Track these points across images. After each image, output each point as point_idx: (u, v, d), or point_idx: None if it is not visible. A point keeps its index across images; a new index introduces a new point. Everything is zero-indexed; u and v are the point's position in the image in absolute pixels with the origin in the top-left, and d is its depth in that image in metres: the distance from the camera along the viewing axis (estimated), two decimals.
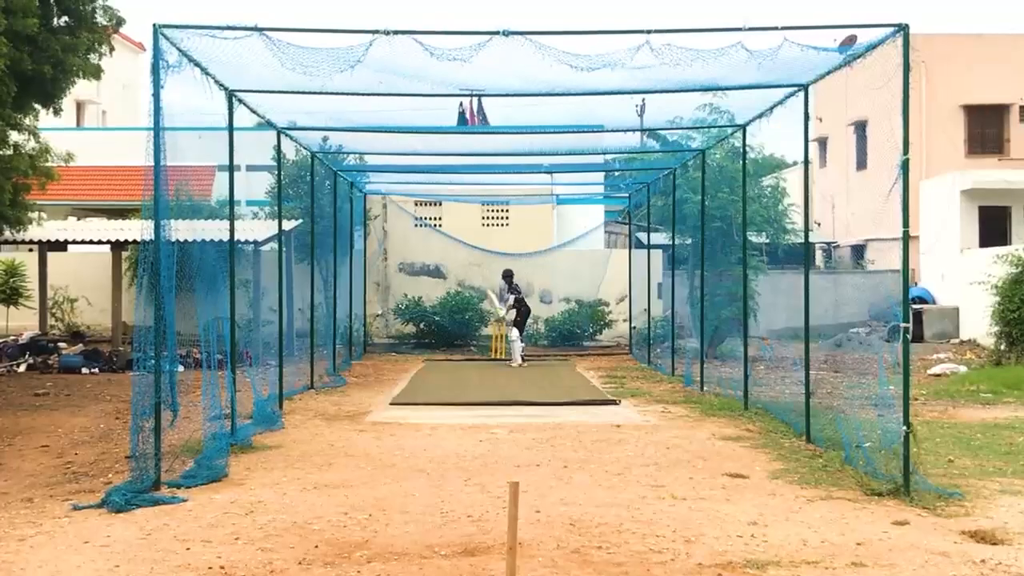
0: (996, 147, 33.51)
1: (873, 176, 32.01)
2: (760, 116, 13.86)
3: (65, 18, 15.50)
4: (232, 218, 12.22)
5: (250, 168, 24.31)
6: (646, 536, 7.34)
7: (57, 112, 16.17)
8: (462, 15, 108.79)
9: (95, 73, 15.87)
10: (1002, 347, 19.23)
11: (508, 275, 21.80)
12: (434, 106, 15.05)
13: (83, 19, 15.40)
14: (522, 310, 21.35)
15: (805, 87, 11.77)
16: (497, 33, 9.37)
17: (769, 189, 23.70)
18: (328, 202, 20.88)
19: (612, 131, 16.73)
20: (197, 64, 9.99)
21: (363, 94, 12.21)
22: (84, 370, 18.72)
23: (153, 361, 9.06)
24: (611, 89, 11.89)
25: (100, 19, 15.77)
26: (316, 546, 7.08)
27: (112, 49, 16.41)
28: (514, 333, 21.08)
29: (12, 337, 21.68)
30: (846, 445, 10.11)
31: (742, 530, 7.49)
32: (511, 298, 21.23)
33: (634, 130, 17.42)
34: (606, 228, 31.36)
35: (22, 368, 19.08)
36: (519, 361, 20.70)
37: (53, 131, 19.42)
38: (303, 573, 6.54)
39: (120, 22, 16.25)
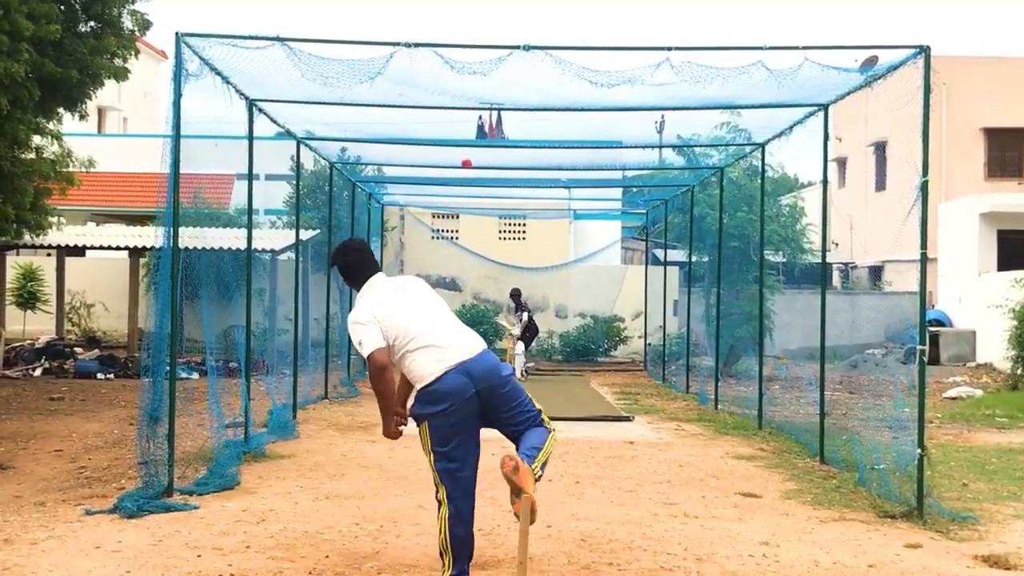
0: (1016, 171, 33.33)
1: (892, 197, 31.87)
2: (779, 135, 13.82)
3: (92, 23, 15.61)
4: (250, 226, 12.20)
5: (269, 177, 24.42)
6: (657, 554, 7.31)
7: (83, 116, 16.25)
8: (483, 26, 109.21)
9: (122, 74, 15.95)
10: (1018, 371, 19.12)
11: (516, 294, 21.93)
12: (453, 119, 15.09)
13: (110, 23, 15.51)
14: (532, 327, 21.54)
15: (825, 107, 11.74)
16: (518, 47, 9.39)
17: (787, 208, 23.68)
18: (346, 212, 20.94)
19: (631, 147, 16.70)
20: (218, 73, 10.02)
21: (383, 105, 12.21)
22: (100, 375, 18.80)
23: (167, 367, 9.09)
24: (630, 105, 11.89)
25: (127, 23, 15.86)
26: (327, 556, 7.09)
27: (137, 52, 16.48)
28: (519, 347, 21.28)
29: (29, 341, 21.78)
30: (860, 467, 10.05)
31: (754, 550, 7.46)
32: (524, 315, 21.36)
33: (653, 146, 17.35)
34: (623, 244, 31.37)
35: (38, 372, 19.17)
36: (519, 375, 20.84)
37: (75, 136, 19.55)
38: None
39: (147, 25, 16.32)
